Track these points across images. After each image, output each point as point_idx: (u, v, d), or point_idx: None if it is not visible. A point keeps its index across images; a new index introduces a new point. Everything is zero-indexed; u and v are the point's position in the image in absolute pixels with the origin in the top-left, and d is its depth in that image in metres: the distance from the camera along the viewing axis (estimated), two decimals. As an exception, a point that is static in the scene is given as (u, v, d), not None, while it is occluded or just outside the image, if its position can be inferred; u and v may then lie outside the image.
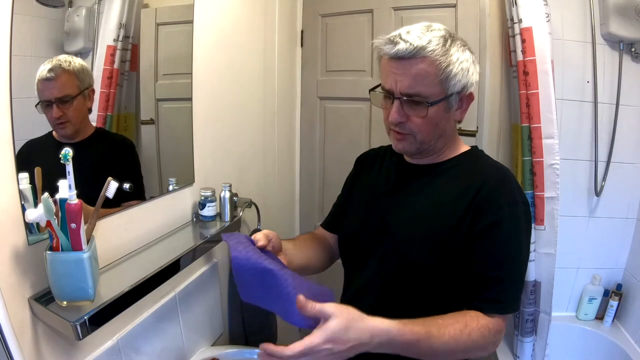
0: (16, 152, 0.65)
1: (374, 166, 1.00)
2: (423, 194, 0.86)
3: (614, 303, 1.69)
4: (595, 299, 1.74)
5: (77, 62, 0.80)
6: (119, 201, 0.91)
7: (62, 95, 0.77)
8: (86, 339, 0.70)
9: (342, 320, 0.62)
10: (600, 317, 1.75)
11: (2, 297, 0.61)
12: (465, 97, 0.82)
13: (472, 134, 1.59)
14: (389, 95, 0.81)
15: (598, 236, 1.72)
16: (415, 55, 0.75)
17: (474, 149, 0.91)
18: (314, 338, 0.61)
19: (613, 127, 1.60)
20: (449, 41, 0.77)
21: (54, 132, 0.78)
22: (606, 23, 1.51)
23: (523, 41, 1.36)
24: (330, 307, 0.63)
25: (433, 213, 0.83)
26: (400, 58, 0.76)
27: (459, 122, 0.88)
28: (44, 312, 0.68)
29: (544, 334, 1.50)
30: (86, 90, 0.83)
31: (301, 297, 0.63)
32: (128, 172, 0.97)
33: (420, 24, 0.80)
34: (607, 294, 1.73)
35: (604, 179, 1.64)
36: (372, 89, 0.86)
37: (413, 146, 0.84)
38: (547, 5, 1.34)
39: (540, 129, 1.36)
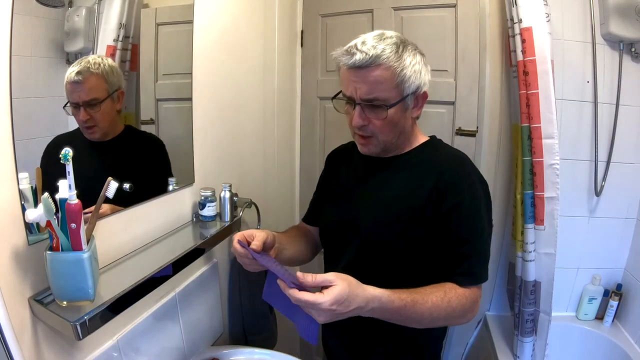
0: (17, 152, 0.65)
1: (343, 162, 1.08)
2: (388, 184, 0.94)
3: (614, 303, 1.69)
4: (595, 299, 1.74)
5: (108, 63, 0.80)
6: (146, 197, 0.94)
7: (89, 98, 0.78)
8: (86, 339, 0.70)
9: (345, 286, 0.70)
10: (600, 317, 1.75)
11: (2, 297, 0.61)
12: (420, 96, 0.90)
13: (472, 134, 1.60)
14: (351, 101, 0.88)
15: (598, 236, 1.72)
16: (371, 64, 0.82)
17: (432, 140, 0.99)
18: (322, 298, 0.68)
19: (613, 127, 1.60)
20: (401, 47, 0.84)
21: None
22: (606, 23, 1.51)
23: (523, 41, 1.36)
24: (330, 275, 0.71)
25: (397, 200, 0.91)
26: (358, 67, 0.83)
27: (417, 118, 0.96)
28: (44, 312, 0.68)
29: (544, 334, 1.49)
30: (115, 93, 0.83)
31: (300, 273, 0.70)
32: (159, 170, 0.97)
33: (374, 33, 0.87)
34: (607, 294, 1.73)
35: (604, 179, 1.64)
36: (334, 97, 0.94)
37: (377, 147, 0.92)
38: (547, 5, 1.34)
39: (540, 129, 1.36)
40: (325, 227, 1.07)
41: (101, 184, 0.71)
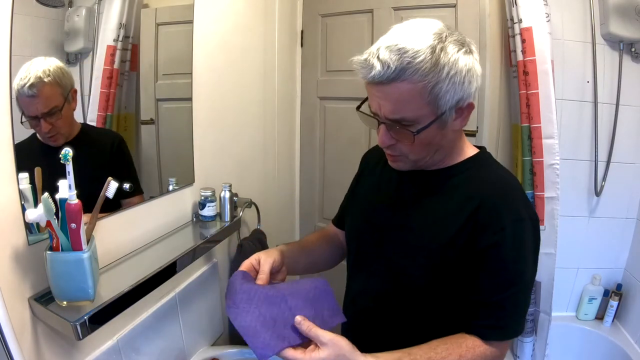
0: (16, 151, 0.65)
1: (377, 166, 0.96)
2: (421, 205, 0.82)
3: (614, 303, 1.69)
4: (595, 299, 1.74)
5: (55, 65, 0.75)
6: (119, 199, 0.90)
7: (48, 109, 0.74)
8: (86, 339, 0.70)
9: (332, 356, 0.64)
10: (600, 317, 1.75)
11: (2, 297, 0.61)
12: (464, 108, 0.71)
13: (472, 134, 1.59)
14: (376, 117, 0.73)
15: (598, 236, 1.72)
16: (394, 78, 0.64)
17: (481, 155, 0.82)
18: (301, 357, 0.64)
19: (613, 127, 1.60)
20: (437, 50, 0.65)
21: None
22: (606, 23, 1.51)
23: (523, 41, 1.36)
24: (325, 337, 0.65)
25: (428, 226, 0.78)
26: (379, 82, 0.66)
27: (463, 127, 0.79)
28: (44, 312, 0.68)
29: (544, 334, 1.50)
30: (69, 94, 0.79)
31: (299, 317, 0.66)
32: (120, 169, 0.94)
33: (407, 27, 0.68)
34: (607, 294, 1.73)
35: (604, 179, 1.64)
36: (358, 107, 0.78)
37: (408, 165, 0.79)
38: (547, 5, 1.34)
39: (540, 129, 1.36)
40: (348, 237, 0.96)
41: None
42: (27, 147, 0.71)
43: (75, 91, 0.81)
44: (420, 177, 0.83)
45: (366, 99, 0.75)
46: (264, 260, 0.78)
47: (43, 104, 0.73)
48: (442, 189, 0.79)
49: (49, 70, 0.74)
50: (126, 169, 0.97)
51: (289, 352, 0.64)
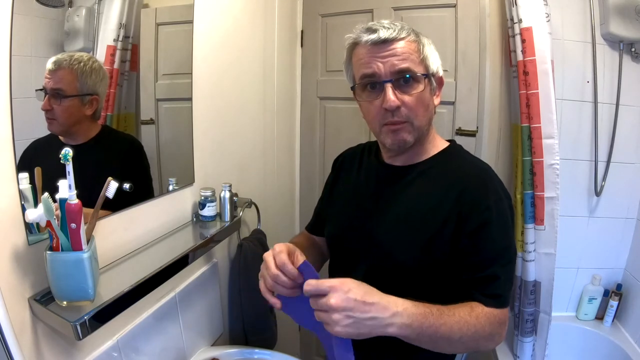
0: (16, 152, 0.65)
1: (352, 167, 1.00)
2: (404, 197, 0.86)
3: (614, 303, 1.69)
4: (595, 299, 1.74)
5: (90, 65, 0.79)
6: (127, 204, 0.91)
7: (55, 87, 0.76)
8: (86, 339, 0.70)
9: (361, 285, 0.65)
10: (600, 317, 1.75)
11: (2, 297, 0.61)
12: (438, 80, 0.87)
13: (472, 134, 1.60)
14: (376, 83, 0.82)
15: (598, 236, 1.72)
16: (396, 37, 0.80)
17: (452, 146, 0.92)
18: (329, 282, 0.64)
19: (613, 127, 1.60)
20: (412, 29, 0.84)
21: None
22: (606, 23, 1.51)
23: (523, 41, 1.36)
24: (346, 280, 0.66)
25: (415, 217, 0.83)
26: (384, 41, 0.80)
27: (434, 110, 0.90)
28: (44, 312, 0.68)
29: (544, 334, 1.49)
30: (87, 97, 0.81)
31: (311, 281, 0.65)
32: (133, 174, 0.95)
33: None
34: (607, 294, 1.73)
35: (604, 179, 1.64)
36: (353, 87, 0.88)
37: (411, 135, 0.83)
38: (547, 5, 1.34)
39: (540, 129, 1.36)
40: (331, 240, 0.99)
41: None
42: (47, 144, 0.73)
43: (97, 100, 0.83)
44: (398, 172, 0.88)
45: (354, 88, 0.87)
46: (292, 248, 0.78)
47: (53, 81, 0.76)
48: (421, 180, 0.86)
49: (80, 62, 0.79)
50: (139, 176, 0.98)
51: (311, 283, 0.65)
